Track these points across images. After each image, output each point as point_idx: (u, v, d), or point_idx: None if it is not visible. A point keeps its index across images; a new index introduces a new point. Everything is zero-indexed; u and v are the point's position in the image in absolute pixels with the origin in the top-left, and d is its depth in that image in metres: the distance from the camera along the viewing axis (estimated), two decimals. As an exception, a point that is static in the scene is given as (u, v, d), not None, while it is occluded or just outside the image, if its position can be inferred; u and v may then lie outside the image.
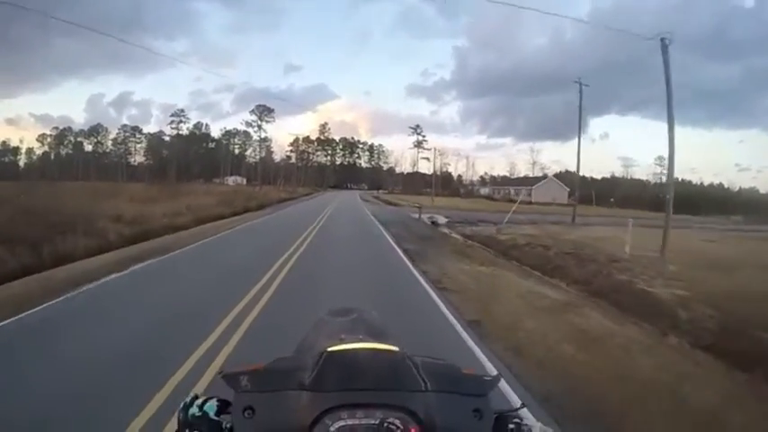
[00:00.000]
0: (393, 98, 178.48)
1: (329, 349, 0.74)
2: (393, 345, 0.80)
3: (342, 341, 0.79)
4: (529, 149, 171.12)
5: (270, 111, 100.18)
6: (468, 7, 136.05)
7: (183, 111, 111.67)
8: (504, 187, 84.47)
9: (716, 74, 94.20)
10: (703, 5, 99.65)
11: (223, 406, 0.78)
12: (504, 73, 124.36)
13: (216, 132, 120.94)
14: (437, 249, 15.41)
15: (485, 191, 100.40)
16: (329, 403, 0.66)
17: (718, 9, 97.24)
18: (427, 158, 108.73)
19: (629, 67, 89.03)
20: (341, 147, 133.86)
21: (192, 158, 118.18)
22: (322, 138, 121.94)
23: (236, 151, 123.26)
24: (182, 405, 0.79)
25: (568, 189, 76.45)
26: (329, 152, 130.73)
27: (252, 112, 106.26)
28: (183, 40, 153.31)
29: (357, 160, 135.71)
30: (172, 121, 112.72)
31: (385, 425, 0.63)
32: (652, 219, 23.76)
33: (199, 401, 0.79)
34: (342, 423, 0.65)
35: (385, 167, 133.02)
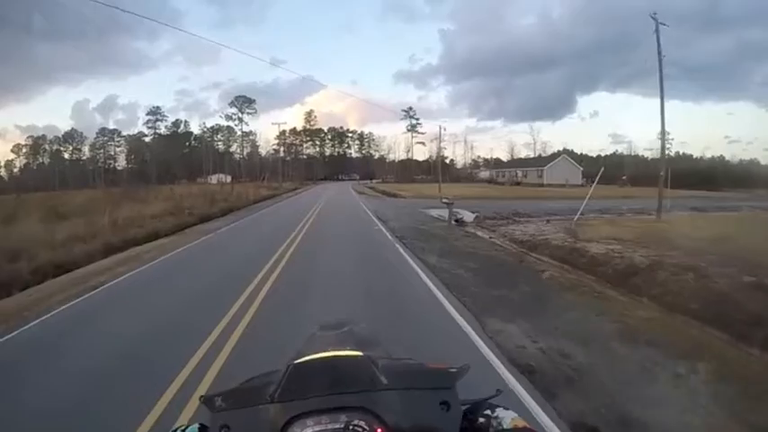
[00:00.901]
0: (381, 86, 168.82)
1: (295, 362, 0.75)
2: (377, 353, 0.79)
3: (316, 354, 0.79)
4: (519, 131, 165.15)
5: (250, 102, 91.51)
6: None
7: (159, 108, 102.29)
8: (509, 169, 76.20)
9: (705, 47, 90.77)
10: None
11: (203, 429, 0.79)
12: (491, 54, 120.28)
13: (198, 129, 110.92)
14: (527, 291, 7.38)
15: (484, 174, 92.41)
16: (294, 411, 0.67)
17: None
18: (422, 143, 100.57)
19: (616, 44, 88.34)
20: (330, 137, 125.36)
21: (175, 158, 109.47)
22: (308, 127, 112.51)
23: (222, 148, 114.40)
24: None
25: (582, 168, 68.86)
26: (318, 143, 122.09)
27: (231, 104, 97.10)
28: (165, 40, 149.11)
29: (347, 150, 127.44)
30: (148, 121, 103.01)
31: (351, 428, 0.64)
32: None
33: (182, 427, 0.80)
34: (309, 430, 0.66)
35: (376, 156, 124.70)
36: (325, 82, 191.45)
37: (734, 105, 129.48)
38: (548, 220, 20.12)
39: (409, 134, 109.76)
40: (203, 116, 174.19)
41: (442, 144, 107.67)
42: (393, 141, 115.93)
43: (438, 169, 62.41)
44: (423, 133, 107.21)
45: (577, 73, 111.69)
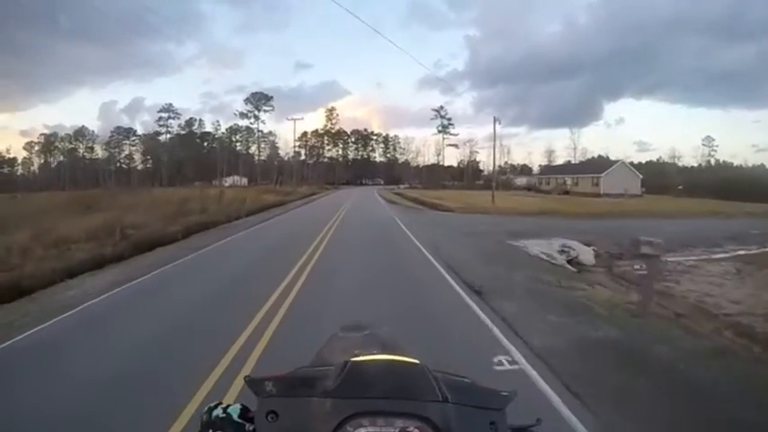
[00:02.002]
0: (405, 92, 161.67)
1: (353, 359, 0.73)
2: (412, 358, 0.78)
3: (356, 355, 0.77)
4: (543, 137, 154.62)
5: (267, 99, 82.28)
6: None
7: (171, 105, 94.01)
8: (554, 176, 65.29)
9: (730, 55, 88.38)
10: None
11: (245, 411, 0.77)
12: (517, 61, 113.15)
13: (212, 128, 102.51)
14: None
15: (520, 181, 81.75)
16: (351, 410, 0.65)
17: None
18: (455, 145, 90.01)
19: (642, 52, 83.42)
20: (353, 140, 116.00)
21: (190, 159, 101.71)
22: (330, 126, 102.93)
23: (241, 149, 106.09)
24: (206, 408, 0.79)
25: (641, 176, 57.88)
26: (341, 146, 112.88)
27: (247, 100, 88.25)
28: (192, 43, 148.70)
29: (371, 153, 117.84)
30: (160, 118, 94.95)
31: None
32: None
33: (223, 405, 0.79)
34: (363, 430, 0.64)
35: (401, 160, 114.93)
36: (349, 88, 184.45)
37: (761, 113, 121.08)
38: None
39: (439, 136, 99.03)
40: (228, 119, 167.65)
41: (474, 149, 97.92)
42: (422, 144, 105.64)
43: (494, 177, 53.12)
44: (455, 134, 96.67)
45: (602, 80, 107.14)
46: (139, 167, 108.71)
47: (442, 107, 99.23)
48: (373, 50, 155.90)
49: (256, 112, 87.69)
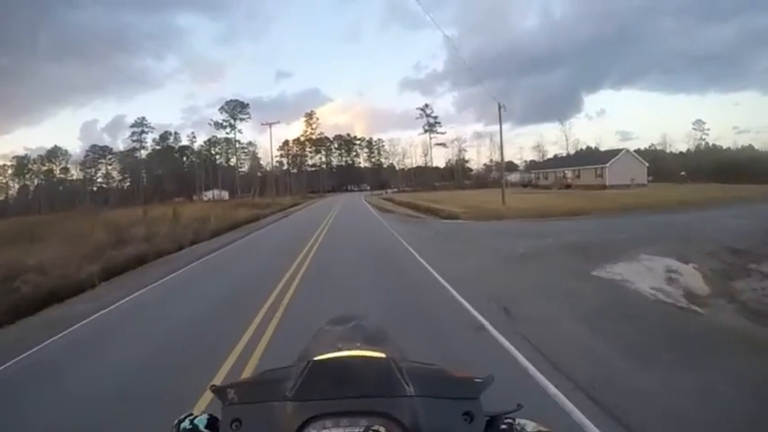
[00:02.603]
0: (387, 96, 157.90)
1: (315, 359, 0.70)
2: (389, 351, 0.74)
3: (338, 350, 0.75)
4: (527, 133, 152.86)
5: (243, 106, 76.80)
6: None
7: (144, 120, 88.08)
8: (553, 170, 60.82)
9: (707, 37, 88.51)
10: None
11: (213, 421, 0.75)
12: (496, 58, 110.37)
13: (188, 140, 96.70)
14: None
15: (514, 178, 77.58)
16: (312, 412, 0.62)
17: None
18: (444, 144, 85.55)
19: (619, 40, 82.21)
20: (336, 146, 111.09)
21: (170, 174, 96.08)
22: (310, 131, 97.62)
23: (222, 162, 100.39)
24: (175, 422, 0.76)
25: (647, 165, 53.81)
26: (323, 153, 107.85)
27: (222, 109, 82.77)
28: (172, 57, 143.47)
29: (355, 159, 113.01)
30: (133, 133, 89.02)
31: None
32: None
33: (191, 417, 0.76)
34: None
35: (386, 164, 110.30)
36: (331, 94, 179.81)
37: (740, 95, 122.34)
38: None
39: (425, 137, 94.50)
40: (209, 132, 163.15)
41: (462, 146, 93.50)
42: (409, 145, 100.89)
43: (502, 175, 48.58)
44: (442, 133, 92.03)
45: (581, 72, 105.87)
46: (119, 186, 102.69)
47: (427, 105, 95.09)
48: (353, 55, 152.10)
49: (232, 121, 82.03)
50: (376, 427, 0.59)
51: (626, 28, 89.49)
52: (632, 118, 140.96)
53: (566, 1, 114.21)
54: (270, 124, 42.02)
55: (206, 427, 0.74)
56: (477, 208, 25.16)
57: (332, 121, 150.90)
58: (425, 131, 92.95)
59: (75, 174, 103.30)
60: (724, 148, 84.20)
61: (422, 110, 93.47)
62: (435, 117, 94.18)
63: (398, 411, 0.61)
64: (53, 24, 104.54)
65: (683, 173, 60.16)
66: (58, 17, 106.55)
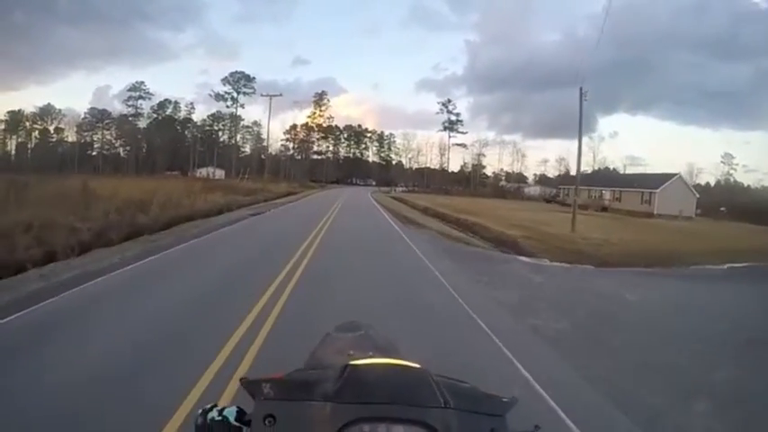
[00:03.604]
0: (402, 93, 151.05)
1: (352, 363, 0.69)
2: (410, 361, 0.75)
3: (351, 357, 0.75)
4: (536, 146, 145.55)
5: (249, 79, 67.81)
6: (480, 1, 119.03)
7: (142, 84, 79.46)
8: (587, 188, 51.88)
9: (722, 73, 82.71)
10: (714, 6, 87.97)
11: (241, 414, 0.74)
12: (514, 68, 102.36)
13: (186, 111, 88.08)
14: None
15: (533, 191, 69.29)
16: (351, 415, 0.61)
17: (727, 10, 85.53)
18: (463, 145, 76.93)
19: (637, 67, 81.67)
20: (345, 136, 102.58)
21: (167, 146, 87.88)
22: (319, 113, 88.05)
23: (230, 140, 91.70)
24: (200, 411, 0.76)
25: (698, 195, 45.50)
26: (332, 141, 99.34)
27: (225, 80, 73.98)
28: (189, 31, 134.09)
29: (364, 152, 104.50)
30: (129, 98, 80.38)
31: None
32: None
33: (218, 408, 0.76)
34: None
35: (395, 161, 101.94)
36: (346, 86, 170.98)
37: (750, 135, 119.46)
38: None
39: (441, 135, 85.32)
40: (214, 107, 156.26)
41: (482, 150, 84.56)
42: (425, 142, 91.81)
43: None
44: (464, 132, 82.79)
45: (598, 93, 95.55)
46: (116, 153, 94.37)
47: (449, 100, 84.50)
48: (372, 50, 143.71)
49: (235, 95, 73.14)
50: None
51: (645, 56, 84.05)
52: (642, 144, 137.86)
53: (588, 23, 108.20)
54: (270, 96, 33.64)
55: (235, 420, 0.72)
56: (535, 232, 16.91)
57: (344, 112, 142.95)
58: (444, 129, 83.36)
59: (71, 136, 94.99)
60: (745, 185, 77.75)
61: (443, 105, 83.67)
62: (457, 114, 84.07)
63: (434, 420, 0.60)
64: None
65: (722, 208, 51.92)
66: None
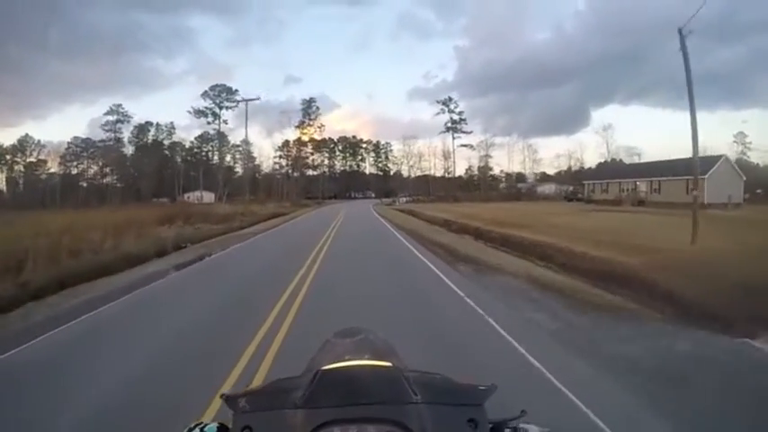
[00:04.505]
0: (395, 104, 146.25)
1: (324, 368, 0.69)
2: (395, 362, 0.74)
3: (345, 361, 0.74)
4: (534, 146, 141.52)
5: (231, 92, 61.25)
6: (467, 6, 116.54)
7: (120, 106, 73.40)
8: (617, 181, 45.37)
9: (717, 55, 74.65)
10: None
11: (223, 429, 0.74)
12: (506, 70, 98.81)
13: (167, 131, 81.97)
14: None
15: (548, 189, 62.94)
16: (322, 419, 0.61)
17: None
18: (471, 146, 70.62)
19: (630, 56, 75.00)
20: (340, 148, 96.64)
21: (155, 171, 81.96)
22: (308, 122, 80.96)
23: (220, 159, 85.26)
24: (185, 430, 0.75)
25: (744, 178, 39.18)
26: (327, 154, 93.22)
27: (204, 95, 67.74)
28: (180, 58, 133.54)
29: (361, 163, 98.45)
30: (107, 123, 74.29)
31: None
32: None
33: (201, 425, 0.76)
34: None
35: (393, 170, 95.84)
36: (339, 101, 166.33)
37: (748, 113, 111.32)
38: None
39: (442, 140, 78.66)
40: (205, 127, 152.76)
41: (486, 153, 77.90)
42: (426, 146, 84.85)
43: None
44: (468, 132, 75.50)
45: (590, 86, 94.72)
46: (106, 183, 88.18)
47: (450, 98, 76.84)
48: (362, 63, 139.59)
49: (217, 110, 66.63)
50: None
51: (636, 45, 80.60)
52: (637, 133, 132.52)
53: (577, 18, 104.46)
54: (246, 101, 27.55)
55: None
56: (639, 250, 10.54)
57: (339, 126, 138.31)
58: (447, 130, 76.13)
59: (54, 167, 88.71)
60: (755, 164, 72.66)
61: (443, 104, 76.32)
62: (460, 113, 76.27)
63: (407, 418, 0.60)
64: (63, 20, 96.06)
65: (758, 190, 45.56)
66: (68, 14, 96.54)
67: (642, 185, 40.04)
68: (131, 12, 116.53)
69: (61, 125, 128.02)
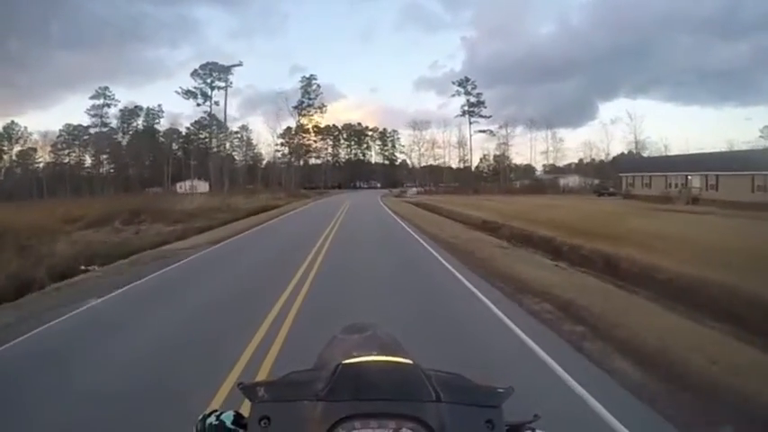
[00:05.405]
0: (401, 94, 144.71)
1: (344, 362, 0.68)
2: (407, 359, 0.73)
3: (354, 357, 0.73)
4: (540, 138, 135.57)
5: (225, 70, 54.42)
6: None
7: (107, 89, 67.40)
8: (663, 174, 38.67)
9: (722, 53, 78.19)
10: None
11: (239, 418, 0.74)
12: (512, 62, 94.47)
13: (155, 116, 75.94)
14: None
15: (571, 181, 57.01)
16: (343, 413, 0.60)
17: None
18: (490, 131, 64.23)
19: (636, 50, 77.98)
20: (345, 136, 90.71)
21: (148, 160, 76.91)
22: (307, 101, 72.71)
23: (218, 146, 79.20)
24: (200, 417, 0.76)
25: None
26: (330, 143, 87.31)
27: (194, 74, 61.46)
28: (186, 47, 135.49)
29: (366, 152, 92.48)
30: (93, 107, 68.37)
31: None
32: None
33: (216, 413, 0.76)
34: None
35: (399, 160, 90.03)
36: (345, 91, 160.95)
37: (752, 111, 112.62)
38: None
39: (463, 119, 69.31)
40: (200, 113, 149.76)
41: (505, 141, 70.52)
42: (440, 131, 77.18)
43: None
44: (488, 117, 66.83)
45: (597, 79, 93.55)
46: (101, 172, 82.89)
47: (467, 78, 68.12)
48: (369, 53, 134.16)
49: (209, 91, 60.11)
50: (404, 430, 0.58)
51: (643, 40, 76.86)
52: (645, 127, 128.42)
53: (584, 12, 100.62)
54: (229, 67, 21.89)
55: (232, 424, 0.72)
56: None
57: (344, 116, 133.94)
58: (463, 114, 67.83)
59: (45, 156, 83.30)
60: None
61: (460, 84, 68.10)
62: (479, 95, 67.45)
63: (426, 415, 0.60)
64: (66, 9, 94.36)
65: None
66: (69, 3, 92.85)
67: (696, 181, 33.99)
68: (136, 1, 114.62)
69: (64, 116, 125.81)
